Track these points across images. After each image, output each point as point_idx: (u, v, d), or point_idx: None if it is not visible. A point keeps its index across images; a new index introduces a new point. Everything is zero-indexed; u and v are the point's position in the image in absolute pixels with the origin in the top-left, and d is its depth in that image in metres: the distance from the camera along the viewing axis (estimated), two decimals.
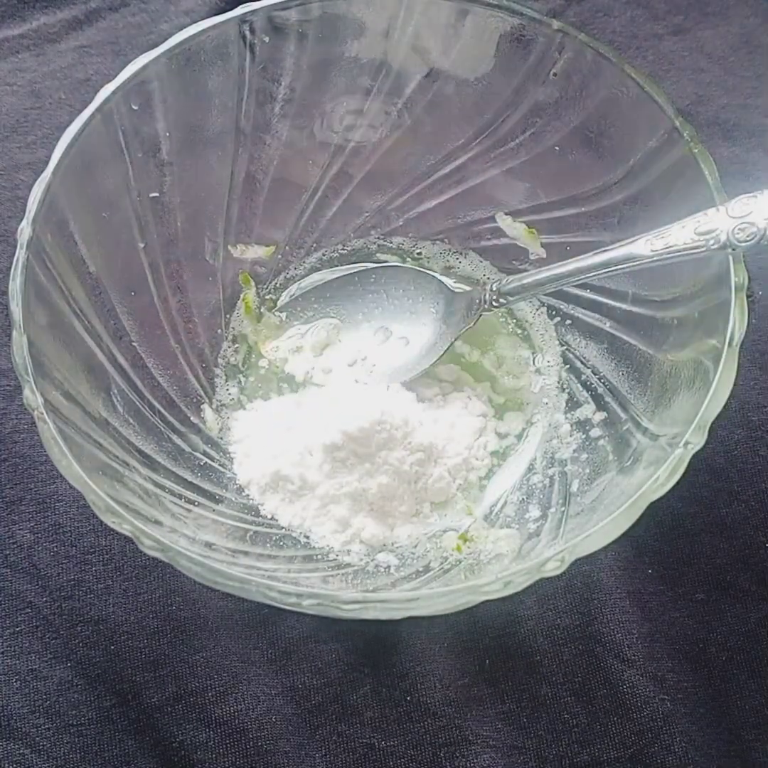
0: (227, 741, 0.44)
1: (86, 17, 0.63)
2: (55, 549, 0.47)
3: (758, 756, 0.44)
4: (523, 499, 0.48)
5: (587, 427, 0.49)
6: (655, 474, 0.37)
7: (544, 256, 0.52)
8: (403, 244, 0.55)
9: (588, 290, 0.50)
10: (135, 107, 0.44)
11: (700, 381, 0.39)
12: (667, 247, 0.41)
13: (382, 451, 0.47)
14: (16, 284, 0.38)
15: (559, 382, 0.52)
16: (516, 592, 0.35)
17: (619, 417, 0.47)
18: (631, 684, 0.45)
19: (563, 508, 0.45)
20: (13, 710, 0.44)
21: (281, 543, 0.46)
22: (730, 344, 0.39)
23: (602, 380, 0.49)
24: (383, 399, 0.48)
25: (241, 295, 0.53)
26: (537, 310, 0.53)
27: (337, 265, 0.55)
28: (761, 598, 0.47)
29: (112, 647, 0.45)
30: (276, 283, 0.54)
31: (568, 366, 0.52)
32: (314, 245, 0.55)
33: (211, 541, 0.42)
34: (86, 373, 0.42)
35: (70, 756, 0.44)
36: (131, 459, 0.42)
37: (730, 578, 0.47)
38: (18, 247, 0.39)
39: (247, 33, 0.45)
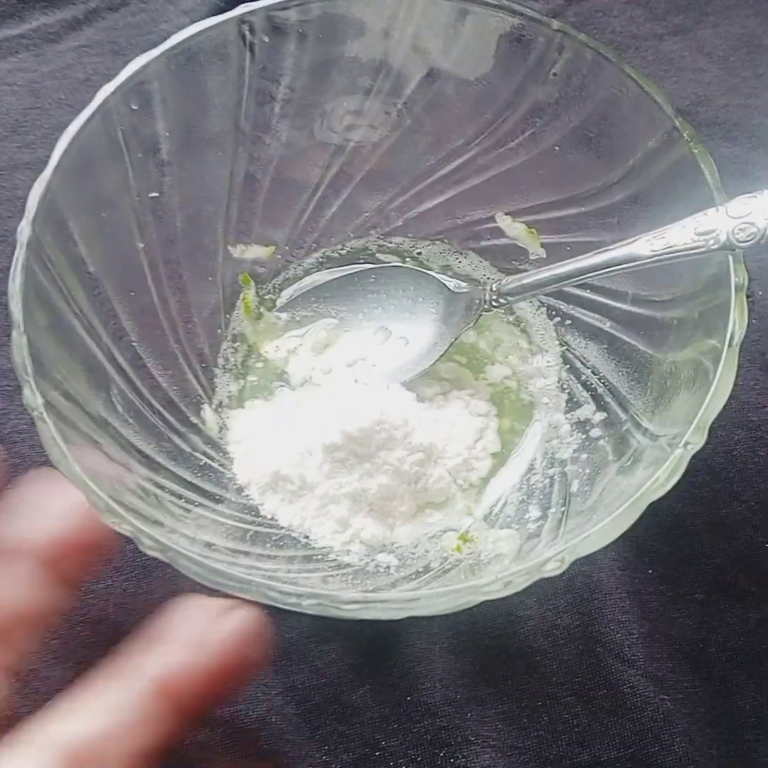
0: (227, 741, 0.44)
1: (86, 17, 0.63)
2: None
3: (759, 756, 0.44)
4: (523, 499, 0.48)
5: (587, 428, 0.49)
6: (655, 474, 0.37)
7: (544, 256, 0.52)
8: (402, 244, 0.55)
9: (588, 290, 0.50)
10: (134, 107, 0.44)
11: (700, 381, 0.39)
12: (666, 248, 0.41)
13: (381, 451, 0.46)
14: (15, 285, 0.38)
15: (558, 382, 0.52)
16: (516, 592, 0.35)
17: (619, 417, 0.47)
18: (631, 684, 0.45)
19: (563, 509, 0.45)
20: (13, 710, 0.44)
21: (281, 543, 0.46)
22: (730, 344, 0.38)
23: (602, 380, 0.49)
24: (383, 399, 0.48)
25: (241, 295, 0.53)
26: (537, 310, 0.53)
27: (336, 266, 0.55)
28: (761, 599, 0.47)
29: (112, 648, 0.45)
30: (275, 283, 0.54)
31: (567, 366, 0.52)
32: (314, 245, 0.54)
33: (211, 542, 0.41)
34: (86, 373, 0.42)
35: None
36: (131, 459, 0.42)
37: (730, 578, 0.47)
38: (18, 247, 0.38)
39: (247, 33, 0.45)
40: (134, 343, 0.46)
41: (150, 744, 0.32)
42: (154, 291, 0.48)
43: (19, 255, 0.38)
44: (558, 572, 0.35)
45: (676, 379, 0.43)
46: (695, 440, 0.37)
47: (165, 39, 0.45)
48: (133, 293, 0.46)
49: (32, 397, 0.36)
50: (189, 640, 0.33)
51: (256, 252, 0.52)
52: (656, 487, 0.37)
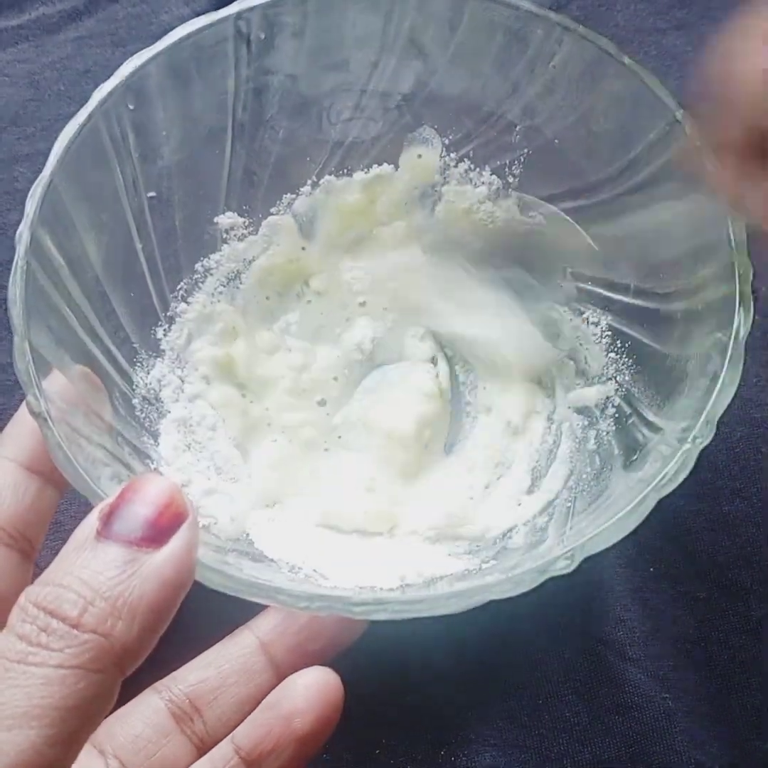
0: None
1: (86, 8, 0.62)
2: (57, 548, 0.46)
3: (760, 755, 0.45)
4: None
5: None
6: (664, 470, 0.37)
7: None
8: None
9: (589, 283, 0.50)
10: (131, 107, 0.43)
11: (707, 375, 0.39)
12: None
13: None
14: (16, 290, 0.38)
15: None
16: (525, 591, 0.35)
17: (624, 411, 0.47)
18: (632, 682, 0.45)
19: (569, 504, 0.45)
20: None
21: None
22: (736, 338, 0.38)
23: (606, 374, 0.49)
24: None
25: None
26: None
27: None
28: (763, 596, 0.47)
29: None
30: None
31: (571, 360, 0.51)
32: None
33: (220, 545, 0.42)
34: (87, 376, 0.42)
35: None
36: (136, 462, 0.42)
37: (731, 576, 0.47)
38: (17, 253, 0.38)
39: (244, 29, 0.45)
40: (135, 346, 0.46)
41: (250, 693, 0.40)
42: (153, 292, 0.48)
43: (19, 260, 0.38)
44: (568, 570, 0.35)
45: (681, 372, 0.42)
46: (703, 435, 0.37)
47: (166, 30, 0.44)
48: (132, 294, 0.46)
49: (36, 403, 0.36)
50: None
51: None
52: (665, 482, 0.37)
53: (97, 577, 0.28)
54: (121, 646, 0.28)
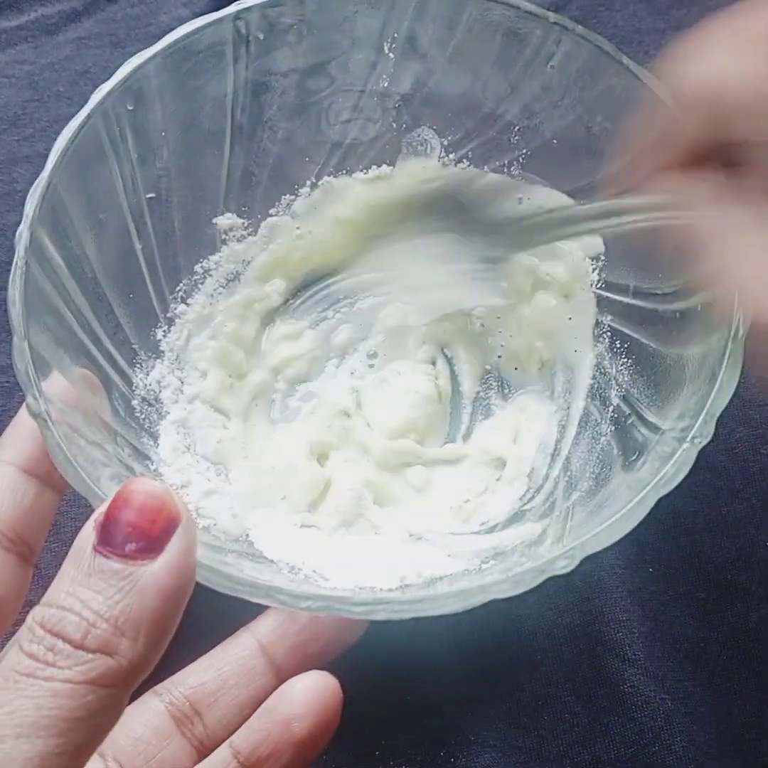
0: None
1: (85, 9, 0.62)
2: (56, 549, 0.47)
3: (759, 756, 0.45)
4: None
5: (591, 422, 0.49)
6: (663, 470, 0.37)
7: None
8: None
9: None
10: (130, 108, 0.43)
11: (706, 375, 0.39)
12: None
13: None
14: (15, 290, 0.37)
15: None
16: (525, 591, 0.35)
17: (623, 411, 0.47)
18: (631, 683, 0.45)
19: (568, 504, 0.45)
20: None
21: None
22: (734, 337, 0.38)
23: (605, 374, 0.49)
24: None
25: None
26: None
27: None
28: (763, 597, 0.47)
29: None
30: None
31: None
32: None
33: (220, 546, 0.42)
34: (87, 377, 0.42)
35: None
36: (136, 463, 0.42)
37: (731, 577, 0.47)
38: (16, 253, 0.38)
39: (242, 30, 0.45)
40: (134, 347, 0.46)
41: (250, 695, 0.40)
42: (152, 293, 0.48)
43: (18, 260, 0.38)
44: (567, 570, 0.35)
45: (680, 372, 0.42)
46: (702, 434, 0.37)
47: (164, 31, 0.45)
48: (131, 295, 0.46)
49: (36, 404, 0.36)
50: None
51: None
52: (664, 482, 0.36)
53: (96, 597, 0.28)
54: (127, 662, 0.28)
